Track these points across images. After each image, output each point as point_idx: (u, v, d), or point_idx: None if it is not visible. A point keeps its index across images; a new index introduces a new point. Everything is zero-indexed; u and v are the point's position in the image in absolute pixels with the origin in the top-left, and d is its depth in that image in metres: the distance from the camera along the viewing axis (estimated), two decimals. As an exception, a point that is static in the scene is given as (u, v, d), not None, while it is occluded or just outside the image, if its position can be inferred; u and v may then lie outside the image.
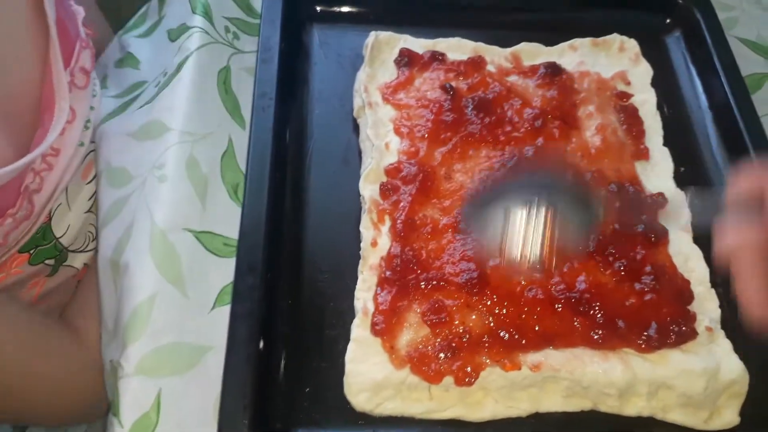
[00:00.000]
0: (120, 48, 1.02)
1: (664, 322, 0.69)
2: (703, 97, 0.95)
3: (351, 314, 0.73)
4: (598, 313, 0.69)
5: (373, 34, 0.92)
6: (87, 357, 0.82)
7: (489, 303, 0.70)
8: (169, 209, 0.77)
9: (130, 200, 0.80)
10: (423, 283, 0.71)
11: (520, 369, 0.66)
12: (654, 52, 0.95)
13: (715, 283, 0.74)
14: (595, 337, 0.68)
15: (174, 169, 0.80)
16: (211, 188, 0.80)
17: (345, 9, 0.99)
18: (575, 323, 0.69)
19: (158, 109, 0.86)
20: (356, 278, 0.74)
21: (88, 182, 0.91)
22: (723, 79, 0.91)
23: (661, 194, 0.79)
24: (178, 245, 0.75)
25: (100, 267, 0.79)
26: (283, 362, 0.71)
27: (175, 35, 0.93)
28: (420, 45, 0.92)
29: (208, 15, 0.93)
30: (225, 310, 0.71)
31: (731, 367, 0.69)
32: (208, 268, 0.75)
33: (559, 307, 0.69)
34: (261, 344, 0.68)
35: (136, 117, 0.87)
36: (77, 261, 0.94)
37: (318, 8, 0.99)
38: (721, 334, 0.71)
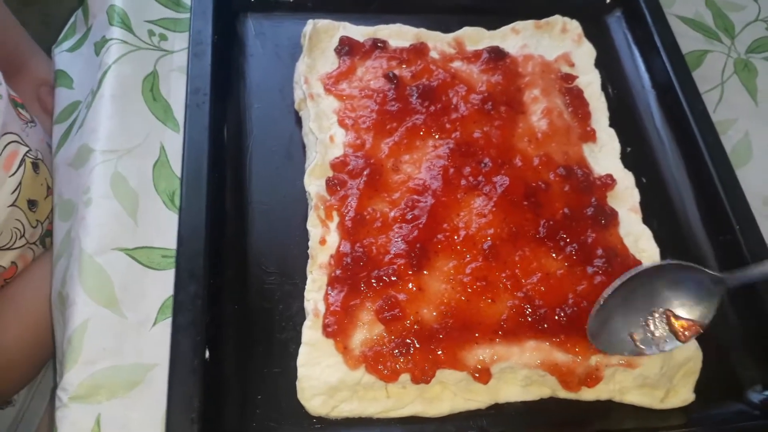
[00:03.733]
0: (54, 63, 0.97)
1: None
2: (645, 76, 0.95)
3: (301, 316, 0.70)
4: (542, 308, 0.68)
5: (310, 22, 0.88)
6: None
7: (436, 286, 0.68)
8: (96, 232, 0.74)
9: (71, 231, 0.77)
10: (374, 280, 0.68)
11: (472, 370, 0.65)
12: (596, 33, 0.95)
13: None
14: (542, 328, 0.67)
15: (98, 190, 0.76)
16: (143, 202, 0.77)
17: (280, -3, 0.95)
18: (526, 317, 0.68)
19: (86, 132, 0.82)
20: (305, 278, 0.71)
21: (11, 174, 0.86)
22: (664, 57, 0.92)
23: (609, 175, 0.79)
24: (109, 267, 0.72)
25: (52, 301, 0.77)
26: (232, 371, 0.68)
27: (98, 49, 0.88)
28: (360, 33, 0.89)
29: (125, 24, 0.88)
30: (168, 325, 0.67)
31: (686, 345, 0.69)
32: (146, 284, 0.72)
33: (511, 305, 0.68)
34: (207, 354, 0.65)
35: (73, 144, 0.84)
36: (4, 259, 0.89)
37: (252, -3, 0.94)
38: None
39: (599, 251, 0.72)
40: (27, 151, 0.89)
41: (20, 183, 0.87)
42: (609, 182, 0.78)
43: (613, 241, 0.74)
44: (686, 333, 0.66)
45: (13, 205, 0.87)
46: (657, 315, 0.67)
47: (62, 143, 0.87)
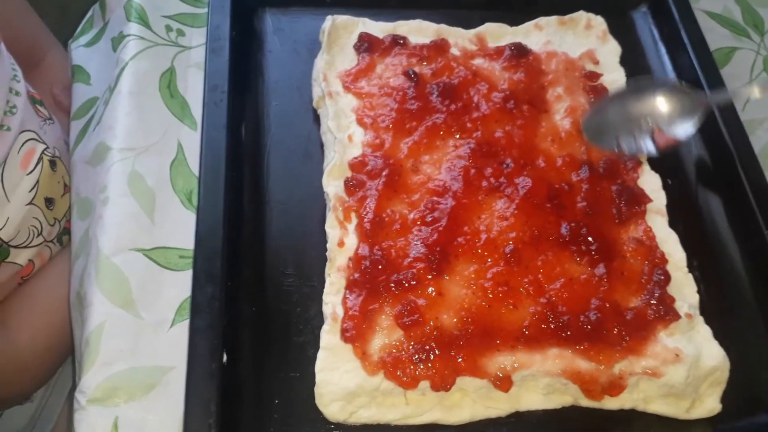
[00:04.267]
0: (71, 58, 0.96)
1: (641, 311, 0.67)
2: (672, 73, 0.92)
3: (319, 319, 0.69)
4: (565, 315, 0.66)
5: (329, 18, 0.87)
6: (10, 354, 0.83)
7: (457, 291, 0.67)
8: (113, 231, 0.73)
9: (89, 230, 0.76)
10: (393, 285, 0.67)
11: (493, 378, 0.64)
12: (621, 29, 0.92)
13: (691, 267, 0.73)
14: (565, 335, 0.66)
15: (115, 188, 0.75)
16: (160, 201, 0.76)
17: (299, -8, 0.94)
18: (549, 323, 0.66)
19: (103, 129, 0.81)
20: (324, 280, 0.70)
21: (29, 173, 0.86)
22: (691, 54, 0.89)
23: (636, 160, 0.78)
24: (126, 267, 0.71)
25: (71, 302, 0.76)
26: (249, 375, 0.67)
27: (115, 45, 0.87)
28: (380, 29, 0.87)
29: (143, 20, 0.87)
30: (186, 326, 0.66)
31: (712, 354, 0.67)
32: (163, 285, 0.71)
33: (533, 311, 0.67)
34: (224, 358, 0.64)
35: (91, 141, 0.83)
36: (21, 257, 0.89)
37: (270, -8, 0.93)
38: (701, 320, 0.70)
39: (625, 246, 0.71)
40: (44, 149, 0.88)
41: (38, 181, 0.86)
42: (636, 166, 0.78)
43: (641, 231, 0.73)
44: (663, 143, 0.73)
45: (30, 203, 0.87)
46: (643, 123, 0.73)
47: (80, 140, 0.86)
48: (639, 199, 0.74)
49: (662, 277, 0.70)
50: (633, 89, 0.76)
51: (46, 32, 1.10)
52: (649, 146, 0.72)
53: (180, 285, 0.71)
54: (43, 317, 0.90)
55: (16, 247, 0.87)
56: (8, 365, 0.85)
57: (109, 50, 0.89)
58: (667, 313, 0.68)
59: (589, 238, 0.70)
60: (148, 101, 0.82)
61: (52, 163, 0.90)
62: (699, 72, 0.87)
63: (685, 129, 0.72)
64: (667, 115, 0.73)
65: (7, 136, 0.81)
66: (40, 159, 0.87)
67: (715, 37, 0.96)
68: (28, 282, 0.92)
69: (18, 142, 0.84)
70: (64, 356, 0.95)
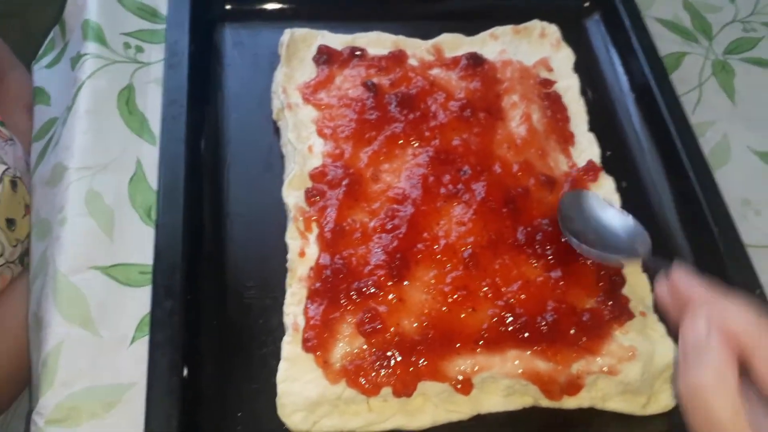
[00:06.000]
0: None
1: (597, 311, 0.69)
2: (624, 79, 0.95)
3: (281, 330, 0.69)
4: (523, 317, 0.67)
5: (288, 31, 0.88)
6: None
7: (417, 296, 0.68)
8: (71, 251, 0.72)
9: (46, 251, 0.76)
10: (354, 293, 0.68)
11: (453, 381, 0.65)
12: (574, 37, 0.95)
13: (644, 267, 0.74)
14: (523, 337, 0.67)
15: (72, 208, 0.75)
16: (119, 218, 0.75)
17: (258, 6, 0.94)
18: (507, 326, 0.67)
19: (61, 149, 0.80)
20: (285, 292, 0.70)
21: None
22: (642, 60, 0.92)
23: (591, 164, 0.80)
24: (84, 286, 0.71)
25: (29, 323, 0.75)
26: (211, 388, 0.67)
27: (74, 64, 0.87)
28: (339, 41, 0.89)
29: (100, 38, 0.87)
30: (146, 342, 0.66)
31: (665, 351, 0.69)
32: (123, 302, 0.71)
33: (492, 314, 0.68)
34: (185, 372, 0.64)
35: (49, 162, 0.82)
36: None
37: (228, 6, 0.94)
38: (654, 318, 0.71)
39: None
40: (5, 169, 0.87)
41: None
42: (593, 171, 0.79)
43: None
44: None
45: None
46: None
47: (39, 161, 0.85)
48: None
49: (618, 279, 0.72)
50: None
51: (7, 52, 1.09)
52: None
53: (140, 301, 0.70)
54: (5, 339, 0.89)
55: None
56: None
57: (68, 71, 0.89)
58: (622, 313, 0.70)
59: (546, 244, 0.72)
60: (105, 119, 0.81)
61: (13, 184, 0.89)
62: (649, 77, 0.90)
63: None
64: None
65: None
66: (1, 179, 0.86)
67: (666, 43, 0.99)
68: None
69: None
70: (25, 381, 0.93)
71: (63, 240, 0.73)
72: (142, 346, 0.68)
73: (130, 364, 0.68)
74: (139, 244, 0.74)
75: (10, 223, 0.90)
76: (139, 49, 0.88)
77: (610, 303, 0.70)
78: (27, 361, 0.79)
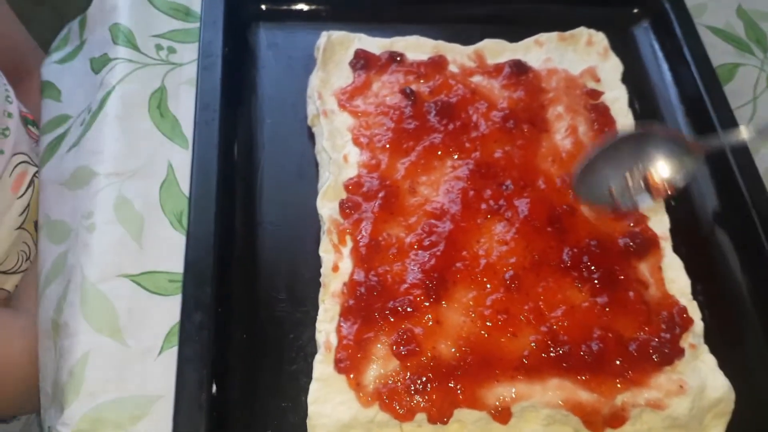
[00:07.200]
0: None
1: (645, 343, 0.65)
2: (673, 90, 0.91)
3: (312, 346, 0.67)
4: (566, 344, 0.64)
5: (324, 34, 0.85)
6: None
7: (455, 318, 0.65)
8: (100, 259, 0.71)
9: (68, 255, 0.74)
10: (389, 312, 0.65)
11: (491, 409, 0.62)
12: (622, 45, 0.90)
13: (695, 293, 0.71)
14: (566, 366, 0.64)
15: (102, 215, 0.73)
16: (149, 224, 0.74)
17: (294, 6, 0.92)
18: (550, 353, 0.64)
19: (85, 153, 0.79)
20: (317, 305, 0.68)
21: (20, 196, 0.84)
22: (694, 71, 0.87)
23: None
24: (112, 294, 0.69)
25: (41, 328, 0.74)
26: (240, 404, 0.65)
27: (97, 66, 0.85)
28: (376, 45, 0.85)
29: (131, 42, 0.85)
30: (175, 353, 0.64)
31: (717, 385, 0.65)
32: (151, 311, 0.69)
33: (534, 339, 0.64)
34: (214, 388, 0.62)
35: (67, 163, 0.80)
36: (8, 283, 0.87)
37: (264, 6, 0.91)
38: (705, 349, 0.67)
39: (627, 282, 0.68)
40: (36, 171, 0.86)
41: (28, 204, 0.84)
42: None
43: (642, 271, 0.70)
44: (660, 191, 0.70)
45: (20, 227, 0.84)
46: (637, 173, 0.70)
47: (48, 158, 0.83)
48: (650, 244, 0.72)
49: (681, 320, 0.68)
50: (623, 139, 0.72)
51: (33, 44, 1.08)
52: (644, 198, 0.70)
53: (169, 310, 0.69)
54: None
55: (4, 272, 0.84)
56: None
57: (85, 69, 0.87)
58: (673, 353, 0.66)
59: (592, 267, 0.68)
60: (137, 124, 0.79)
61: None
62: (702, 89, 0.86)
63: (681, 176, 0.69)
64: (662, 163, 0.70)
65: (0, 159, 0.79)
66: (32, 182, 0.85)
67: (718, 53, 0.95)
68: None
69: (10, 164, 0.82)
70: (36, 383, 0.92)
71: (92, 248, 0.71)
72: (170, 357, 0.66)
73: (158, 375, 0.66)
74: (168, 250, 0.72)
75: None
76: (172, 50, 0.86)
77: (664, 342, 0.66)
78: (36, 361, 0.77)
